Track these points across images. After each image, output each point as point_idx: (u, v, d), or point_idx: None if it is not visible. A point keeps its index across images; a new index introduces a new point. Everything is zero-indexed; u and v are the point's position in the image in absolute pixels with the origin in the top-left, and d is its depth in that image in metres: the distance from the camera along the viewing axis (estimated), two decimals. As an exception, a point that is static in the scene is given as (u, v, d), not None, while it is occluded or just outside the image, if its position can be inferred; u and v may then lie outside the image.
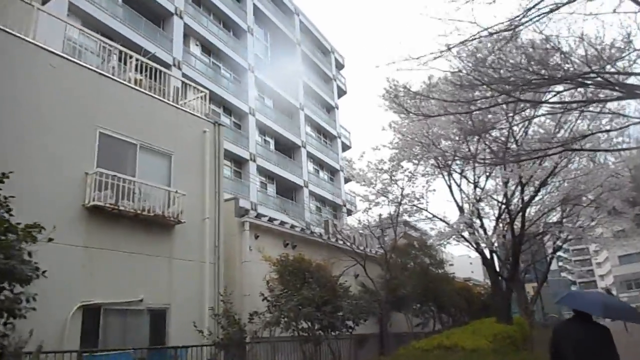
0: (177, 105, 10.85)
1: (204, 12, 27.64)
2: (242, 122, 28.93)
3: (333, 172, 37.01)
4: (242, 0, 30.92)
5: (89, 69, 9.04)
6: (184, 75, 24.31)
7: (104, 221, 8.63)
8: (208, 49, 27.36)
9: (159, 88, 10.90)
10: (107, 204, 8.42)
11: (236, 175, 27.85)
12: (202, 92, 12.07)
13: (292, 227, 14.16)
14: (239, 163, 28.05)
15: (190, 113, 11.12)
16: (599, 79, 8.47)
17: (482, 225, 16.54)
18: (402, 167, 14.98)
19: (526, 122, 15.25)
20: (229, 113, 28.23)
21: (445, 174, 17.27)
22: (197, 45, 26.70)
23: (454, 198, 16.79)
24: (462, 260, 71.24)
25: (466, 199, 16.64)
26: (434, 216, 15.74)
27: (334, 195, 35.62)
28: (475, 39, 8.93)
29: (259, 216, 13.25)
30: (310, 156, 34.45)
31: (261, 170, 29.42)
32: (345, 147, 38.87)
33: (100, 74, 9.23)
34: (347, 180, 35.28)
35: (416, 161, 15.16)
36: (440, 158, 15.63)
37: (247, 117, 28.82)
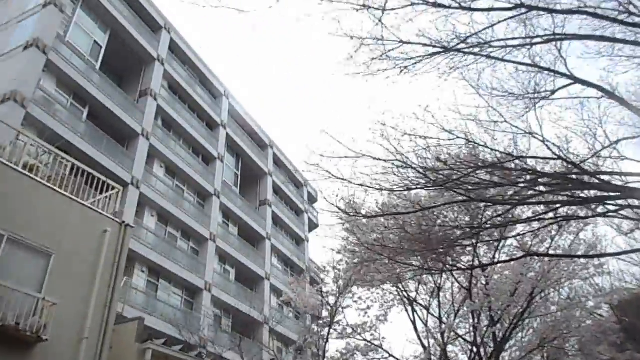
0: (73, 197, 9.34)
1: (174, 136, 27.54)
2: (201, 248, 27.21)
3: (303, 313, 34.29)
4: (215, 130, 31.25)
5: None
6: (141, 195, 23.27)
7: None
8: (173, 171, 26.72)
9: (69, 180, 9.47)
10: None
11: (187, 306, 25.28)
12: (115, 189, 10.67)
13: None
14: (191, 292, 25.68)
15: (90, 207, 9.58)
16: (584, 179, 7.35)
17: (450, 372, 14.24)
18: (352, 292, 13.19)
19: (494, 250, 13.95)
20: (187, 238, 26.64)
21: (409, 308, 15.41)
22: (161, 166, 26.08)
23: (419, 336, 14.70)
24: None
25: (431, 336, 14.55)
26: (390, 355, 13.46)
27: (298, 335, 32.48)
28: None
29: (167, 343, 10.92)
30: (275, 289, 32.12)
31: (217, 302, 26.92)
32: (314, 282, 36.61)
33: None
34: (316, 318, 32.58)
35: (369, 286, 13.38)
36: (400, 286, 13.95)
37: (206, 243, 27.17)
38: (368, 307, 13.73)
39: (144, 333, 10.32)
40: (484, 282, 13.51)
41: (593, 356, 14.25)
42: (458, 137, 6.69)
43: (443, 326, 13.94)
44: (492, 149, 6.68)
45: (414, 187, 6.98)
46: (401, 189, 7.02)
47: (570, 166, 6.84)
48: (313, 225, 40.49)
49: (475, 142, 6.70)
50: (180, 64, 28.81)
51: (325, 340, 13.08)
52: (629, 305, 16.40)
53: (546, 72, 7.55)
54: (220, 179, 29.93)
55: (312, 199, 41.98)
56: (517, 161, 6.91)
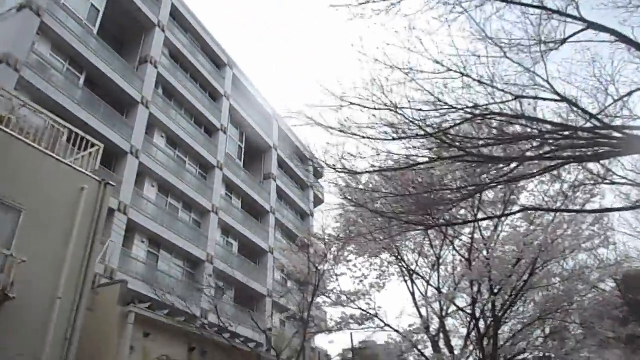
0: (47, 152, 8.87)
1: (175, 106, 27.02)
2: (203, 220, 26.95)
3: (303, 283, 34.11)
4: (218, 100, 30.68)
5: None
6: (141, 164, 22.92)
7: None
8: (174, 141, 26.28)
9: (44, 134, 8.96)
10: None
11: (188, 277, 25.14)
12: (96, 146, 10.20)
13: (204, 325, 11.41)
14: (193, 263, 25.50)
15: (66, 164, 9.11)
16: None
17: (448, 343, 13.79)
18: (347, 260, 12.76)
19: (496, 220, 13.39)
20: (189, 209, 26.34)
21: (408, 280, 14.97)
22: (162, 136, 25.64)
23: (417, 306, 14.26)
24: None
25: (430, 308, 14.12)
26: (386, 325, 13.07)
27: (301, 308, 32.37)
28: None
29: (152, 308, 10.52)
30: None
31: (219, 274, 26.73)
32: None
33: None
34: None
35: (367, 255, 12.93)
36: (398, 256, 13.50)
37: (209, 215, 26.88)
38: (364, 276, 13.32)
39: (128, 296, 9.97)
40: (485, 254, 12.97)
41: (595, 330, 13.77)
42: (450, 70, 6.04)
43: (441, 295, 13.49)
44: (489, 85, 6.00)
45: (405, 136, 6.41)
46: (391, 138, 6.46)
47: (576, 111, 6.19)
48: (319, 201, 40.06)
49: (470, 77, 6.05)
50: (182, 32, 28.13)
51: (309, 304, 12.77)
52: (633, 280, 15.87)
53: (556, 16, 6.85)
54: (224, 151, 29.50)
55: (318, 174, 41.46)
56: (517, 106, 6.22)
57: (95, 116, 21.05)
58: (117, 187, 21.42)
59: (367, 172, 7.27)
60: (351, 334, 43.15)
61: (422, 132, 6.13)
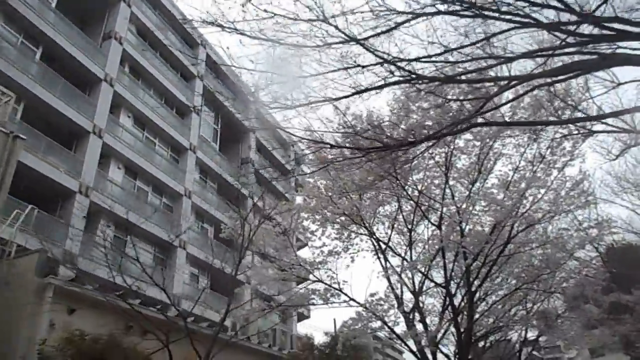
0: None
1: (144, 85, 25.79)
2: (175, 204, 25.84)
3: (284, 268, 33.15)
4: (191, 81, 29.49)
5: None
6: (105, 145, 21.73)
7: None
8: (142, 122, 25.08)
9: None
10: None
11: (160, 263, 24.06)
12: (7, 96, 9.08)
13: (143, 302, 10.36)
14: (164, 249, 24.40)
15: None
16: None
17: (422, 320, 12.86)
18: (305, 228, 11.81)
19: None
20: (159, 192, 25.21)
21: (381, 256, 14.00)
22: (128, 116, 24.43)
23: (390, 283, 13.26)
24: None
25: (404, 283, 13.14)
26: (351, 299, 12.08)
27: (283, 295, 31.43)
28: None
29: (78, 280, 9.39)
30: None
31: (193, 260, 25.71)
32: (301, 244, 35.42)
33: None
34: (301, 280, 31.48)
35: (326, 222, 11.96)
36: (366, 225, 12.54)
37: (181, 199, 25.77)
38: (325, 245, 12.38)
39: (46, 266, 8.86)
40: (457, 217, 11.97)
41: (578, 302, 12.95)
42: None
43: (411, 263, 12.54)
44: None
45: (336, 41, 5.37)
46: (319, 44, 5.41)
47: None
48: (300, 186, 39.10)
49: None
50: (150, 8, 26.86)
51: (237, 262, 11.89)
52: (617, 253, 15.23)
53: None
54: (197, 133, 28.35)
55: (299, 160, 40.45)
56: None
57: (53, 93, 19.85)
58: (79, 168, 20.30)
59: (309, 104, 6.26)
60: (334, 320, 42.44)
61: (347, 38, 5.08)
